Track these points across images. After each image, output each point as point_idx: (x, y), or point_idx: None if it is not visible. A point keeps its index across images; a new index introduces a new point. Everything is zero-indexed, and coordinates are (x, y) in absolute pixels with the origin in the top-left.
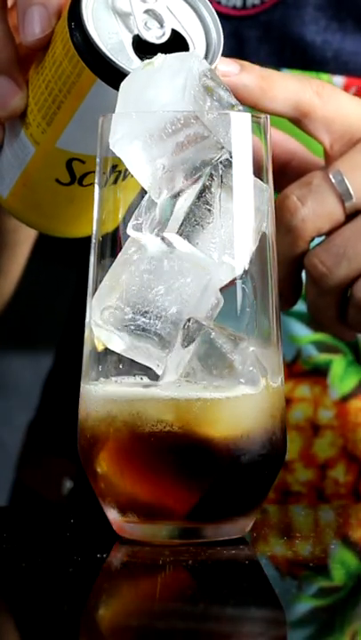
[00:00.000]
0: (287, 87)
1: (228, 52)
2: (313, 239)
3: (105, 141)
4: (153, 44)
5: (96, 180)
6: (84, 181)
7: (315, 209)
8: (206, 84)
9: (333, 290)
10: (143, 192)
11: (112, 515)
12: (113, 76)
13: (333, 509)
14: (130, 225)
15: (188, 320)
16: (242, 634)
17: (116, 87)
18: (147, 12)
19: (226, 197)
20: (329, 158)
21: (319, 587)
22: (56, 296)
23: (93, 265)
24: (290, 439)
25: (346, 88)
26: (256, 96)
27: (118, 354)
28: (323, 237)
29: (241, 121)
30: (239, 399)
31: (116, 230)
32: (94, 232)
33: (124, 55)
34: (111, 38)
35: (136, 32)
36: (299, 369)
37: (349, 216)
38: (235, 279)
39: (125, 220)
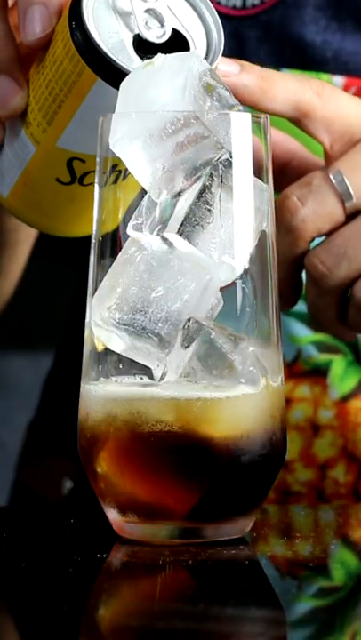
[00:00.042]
0: (287, 87)
1: (228, 52)
2: (313, 239)
3: (105, 141)
4: (154, 44)
5: (96, 180)
6: (85, 181)
7: (315, 209)
8: (206, 83)
9: (334, 290)
10: (143, 192)
11: (112, 515)
12: (114, 75)
13: (333, 509)
14: (130, 225)
15: (188, 320)
16: (242, 634)
17: (117, 86)
18: (147, 11)
19: (226, 197)
20: (329, 158)
21: (319, 587)
22: (56, 296)
23: (93, 265)
24: (290, 439)
25: (346, 88)
26: (256, 96)
27: (118, 354)
28: (323, 237)
29: (241, 121)
30: (239, 399)
31: (116, 230)
32: (94, 232)
33: (124, 54)
34: (112, 38)
35: (137, 31)
36: (299, 369)
37: (350, 216)
38: (234, 278)
39: (125, 220)
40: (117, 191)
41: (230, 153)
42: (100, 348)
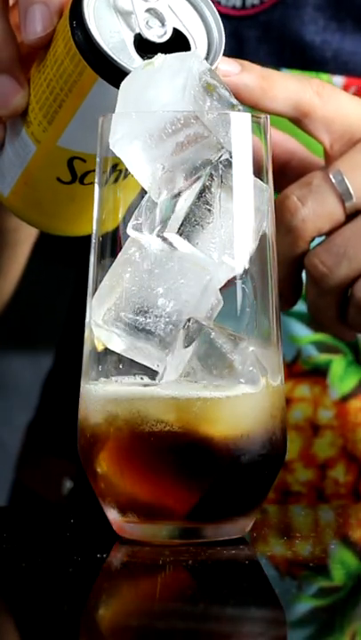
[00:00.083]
0: (287, 87)
1: (228, 53)
2: (313, 239)
3: (105, 141)
4: (154, 43)
5: (96, 180)
6: (85, 180)
7: (315, 209)
8: (206, 83)
9: (334, 290)
10: (143, 192)
11: (112, 515)
12: (114, 74)
13: (333, 509)
14: (130, 225)
15: (188, 320)
16: (242, 634)
17: (118, 86)
18: (148, 10)
19: (226, 197)
20: (329, 158)
21: (319, 587)
22: (56, 296)
23: (93, 265)
24: (290, 439)
25: (345, 88)
26: (257, 96)
27: (118, 354)
28: (323, 237)
29: (241, 121)
30: (239, 398)
31: (116, 230)
32: (94, 232)
33: (125, 54)
34: (113, 37)
35: (138, 31)
36: (299, 369)
37: (350, 216)
38: (234, 279)
39: (125, 220)
40: (117, 191)
41: (230, 153)
42: (100, 348)
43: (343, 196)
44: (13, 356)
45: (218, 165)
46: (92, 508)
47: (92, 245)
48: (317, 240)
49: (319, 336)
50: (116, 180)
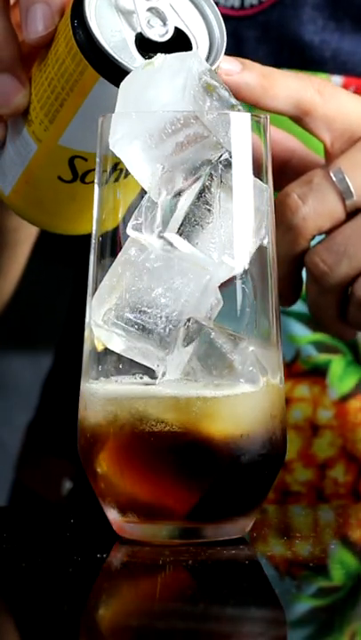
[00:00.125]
0: (288, 85)
1: (227, 52)
2: (314, 237)
3: (105, 141)
4: (156, 42)
5: (96, 180)
6: (86, 179)
7: (315, 207)
8: (206, 83)
9: (334, 288)
10: (143, 192)
11: (112, 515)
12: (116, 74)
13: (333, 509)
14: (130, 225)
15: (188, 320)
16: (242, 634)
17: (119, 85)
18: (150, 9)
19: (225, 197)
20: (330, 156)
21: (319, 587)
22: (56, 296)
23: (93, 265)
24: (289, 439)
25: (344, 87)
26: (258, 94)
27: (118, 354)
28: (323, 236)
29: (241, 121)
30: (239, 398)
31: (116, 230)
32: (94, 232)
33: (126, 53)
34: (114, 36)
35: (139, 30)
36: (298, 369)
37: (350, 214)
38: (234, 278)
39: (125, 220)
40: (117, 190)
41: (230, 153)
42: (99, 347)
43: (344, 194)
44: (13, 356)
45: (218, 165)
46: (92, 507)
47: (92, 245)
48: (318, 238)
49: (318, 336)
50: (116, 180)
